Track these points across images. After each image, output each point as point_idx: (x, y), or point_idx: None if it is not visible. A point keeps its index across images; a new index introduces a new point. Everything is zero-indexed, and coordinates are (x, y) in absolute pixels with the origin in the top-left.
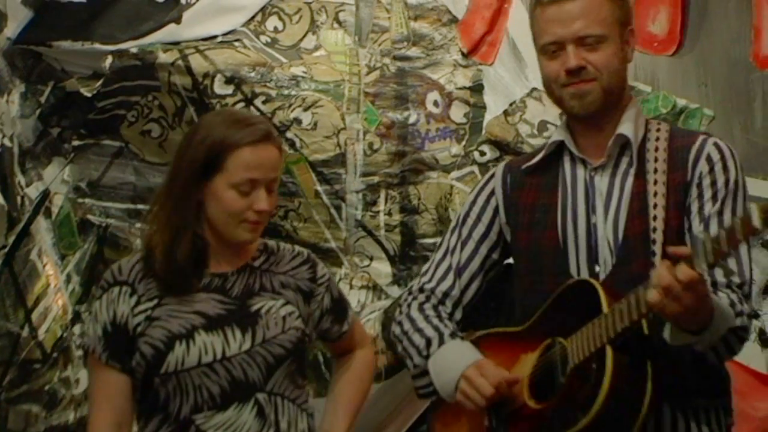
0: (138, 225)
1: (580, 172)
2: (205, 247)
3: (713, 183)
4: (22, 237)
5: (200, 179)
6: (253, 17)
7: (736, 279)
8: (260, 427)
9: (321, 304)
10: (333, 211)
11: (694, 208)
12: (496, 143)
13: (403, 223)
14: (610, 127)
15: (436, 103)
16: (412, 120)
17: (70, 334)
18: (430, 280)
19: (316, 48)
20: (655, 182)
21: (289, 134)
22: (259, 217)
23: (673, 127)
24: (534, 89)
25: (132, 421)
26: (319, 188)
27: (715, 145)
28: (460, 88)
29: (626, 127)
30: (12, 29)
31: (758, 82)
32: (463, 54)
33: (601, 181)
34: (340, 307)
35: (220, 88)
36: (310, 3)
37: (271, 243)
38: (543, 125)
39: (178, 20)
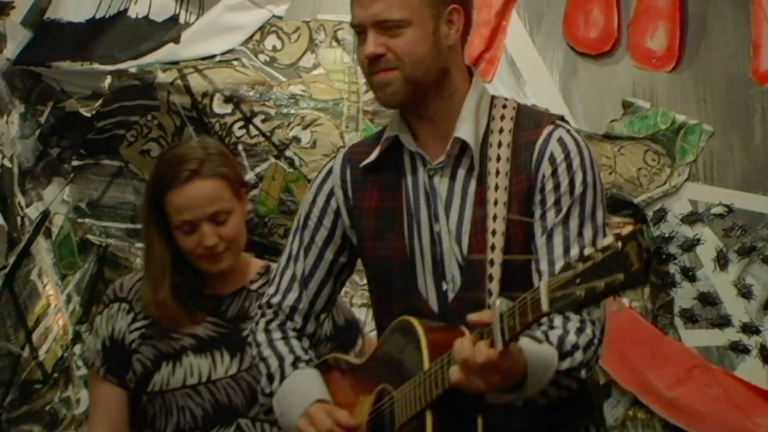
0: (138, 244)
1: (420, 171)
2: (198, 272)
3: (556, 187)
4: (22, 257)
5: (158, 222)
6: (251, 36)
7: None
8: None
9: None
10: None
11: (537, 215)
12: None
13: None
14: (446, 121)
15: None
16: None
17: (70, 354)
18: (275, 293)
19: (315, 66)
20: (496, 188)
21: (288, 153)
22: (212, 251)
23: (521, 112)
24: (533, 106)
25: None
26: None
27: (559, 140)
28: None
29: (465, 129)
30: (11, 50)
31: (757, 97)
32: None
33: (441, 184)
34: (346, 333)
35: (219, 107)
36: (309, 22)
37: (274, 266)
38: None
39: (176, 40)
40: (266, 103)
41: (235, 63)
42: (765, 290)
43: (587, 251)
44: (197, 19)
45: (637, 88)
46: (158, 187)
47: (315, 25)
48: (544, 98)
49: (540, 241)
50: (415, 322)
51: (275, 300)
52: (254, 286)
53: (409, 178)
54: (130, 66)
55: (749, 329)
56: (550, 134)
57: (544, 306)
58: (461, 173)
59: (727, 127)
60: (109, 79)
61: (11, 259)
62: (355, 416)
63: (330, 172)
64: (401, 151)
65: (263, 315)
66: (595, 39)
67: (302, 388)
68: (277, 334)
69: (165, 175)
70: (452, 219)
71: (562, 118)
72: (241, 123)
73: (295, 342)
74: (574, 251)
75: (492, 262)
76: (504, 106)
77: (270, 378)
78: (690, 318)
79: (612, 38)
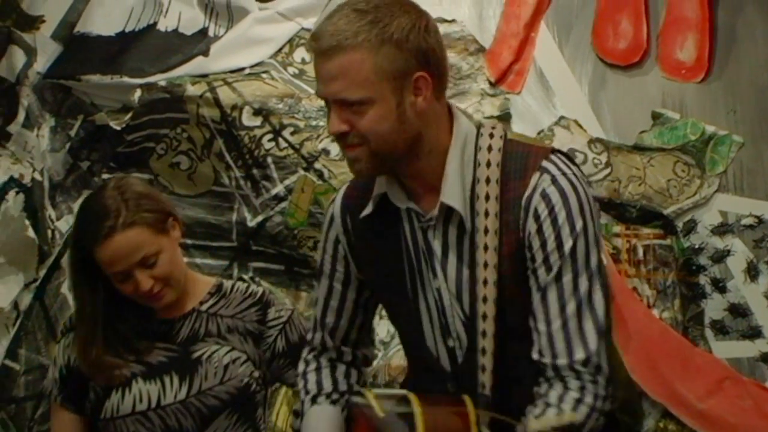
0: None
1: (416, 225)
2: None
3: (543, 245)
4: (53, 270)
5: (88, 275)
6: (280, 49)
7: (579, 355)
8: None
9: (272, 347)
10: None
11: (530, 272)
12: None
13: None
14: (430, 176)
15: None
16: None
17: None
18: (310, 330)
19: None
20: (486, 248)
21: (317, 165)
22: (150, 294)
23: (507, 154)
24: (562, 117)
25: None
26: None
27: (542, 194)
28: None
29: (451, 192)
30: (41, 63)
31: None
32: (490, 83)
33: (435, 240)
34: (299, 351)
35: (248, 119)
36: None
37: (226, 284)
38: (571, 153)
39: (206, 53)
40: (295, 115)
41: (264, 76)
42: None
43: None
44: (226, 32)
45: (667, 99)
46: (82, 243)
47: None
48: (573, 110)
49: (535, 299)
50: (415, 406)
51: (309, 336)
52: (204, 307)
53: (407, 231)
54: (160, 79)
55: None
56: (534, 187)
57: None
58: (452, 230)
59: (757, 138)
60: (138, 93)
61: (42, 272)
62: None
63: (333, 219)
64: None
65: (306, 349)
66: (624, 50)
67: (311, 427)
68: (312, 366)
69: (86, 232)
70: (450, 277)
71: (553, 151)
72: (270, 135)
73: (325, 373)
74: (570, 307)
75: (484, 333)
76: (489, 148)
77: (296, 414)
78: (720, 329)
79: (641, 49)
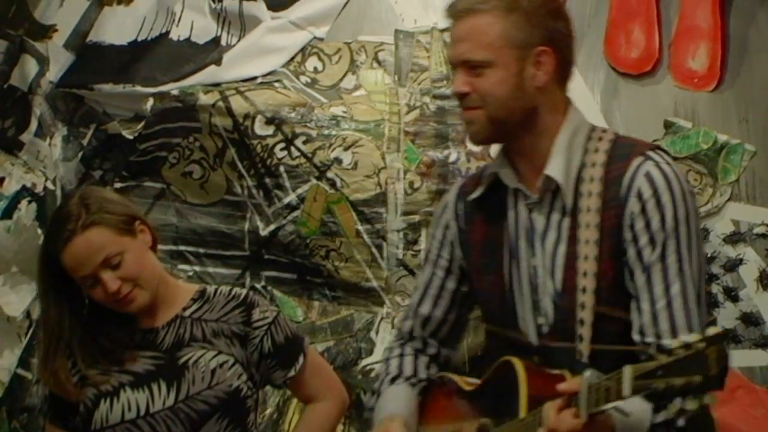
0: (180, 266)
1: (521, 205)
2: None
3: (647, 225)
4: None
5: (57, 285)
6: (293, 58)
7: (684, 335)
8: None
9: (259, 348)
10: (374, 250)
11: (632, 253)
12: None
13: None
14: (539, 156)
15: None
16: (452, 158)
17: None
18: (402, 318)
19: (356, 88)
20: (587, 225)
21: (329, 174)
22: (119, 295)
23: (616, 144)
24: None
25: None
26: (360, 227)
27: (647, 176)
28: None
29: (555, 166)
30: (54, 73)
31: None
32: None
33: (538, 219)
34: (286, 351)
35: (260, 128)
36: (350, 43)
37: (209, 289)
38: None
39: (218, 62)
40: (308, 124)
41: (276, 84)
42: None
43: (674, 344)
44: (239, 41)
45: (679, 107)
46: (49, 251)
47: (356, 47)
48: (586, 118)
49: (639, 279)
50: (519, 368)
51: (399, 324)
52: (188, 312)
53: (511, 213)
54: (172, 88)
55: None
56: (637, 168)
57: (626, 391)
58: (557, 208)
59: None
60: (151, 102)
61: None
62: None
63: (446, 206)
64: (505, 185)
65: (394, 337)
66: (636, 59)
67: (385, 404)
68: (396, 352)
69: (50, 239)
70: (547, 254)
71: (657, 148)
72: (282, 144)
73: (408, 360)
74: (675, 288)
75: (583, 306)
76: (600, 139)
77: (372, 393)
78: (733, 338)
79: (653, 58)
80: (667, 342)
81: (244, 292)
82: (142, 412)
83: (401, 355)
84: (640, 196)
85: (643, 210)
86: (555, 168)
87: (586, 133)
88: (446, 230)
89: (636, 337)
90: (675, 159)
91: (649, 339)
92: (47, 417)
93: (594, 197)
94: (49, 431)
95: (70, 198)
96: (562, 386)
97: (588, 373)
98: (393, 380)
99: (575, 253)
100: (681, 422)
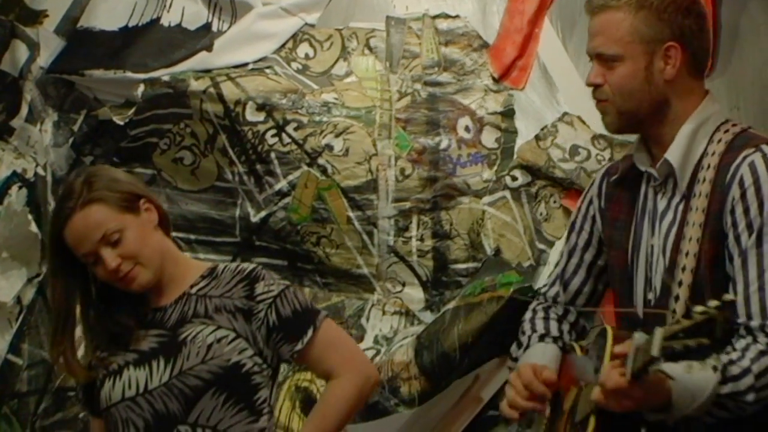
0: None
1: (650, 188)
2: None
3: (746, 211)
4: None
5: (65, 265)
6: (284, 44)
7: (756, 321)
8: None
9: (265, 322)
10: (365, 237)
11: (731, 238)
12: (528, 168)
13: (435, 248)
14: (669, 142)
15: (467, 129)
16: (443, 145)
17: None
18: (546, 285)
19: (347, 74)
20: (697, 209)
21: (320, 160)
22: (120, 273)
23: (738, 136)
24: (565, 114)
25: None
26: (351, 214)
27: (750, 164)
28: (491, 113)
29: (674, 151)
30: (44, 58)
31: None
32: (494, 79)
33: (661, 201)
34: (292, 324)
35: (251, 115)
36: (341, 29)
37: (219, 267)
38: (575, 149)
39: (209, 48)
40: (299, 111)
41: (267, 71)
42: None
43: (696, 309)
44: (230, 27)
45: None
46: (54, 229)
47: (347, 33)
48: (577, 106)
49: (736, 262)
50: (609, 333)
51: (543, 290)
52: (194, 290)
53: (642, 194)
54: (163, 74)
55: None
56: (745, 158)
57: (655, 351)
58: (678, 191)
59: None
60: (141, 88)
61: (45, 267)
62: (567, 400)
63: (593, 183)
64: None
65: (537, 300)
66: None
67: (532, 356)
68: (540, 314)
69: (54, 217)
70: (662, 234)
71: None
72: (273, 131)
73: (553, 323)
74: None
75: (680, 283)
76: (727, 131)
77: (519, 345)
78: None
79: None
80: (756, 323)
81: (250, 266)
82: (141, 389)
83: (546, 318)
84: (741, 183)
85: (743, 196)
86: (673, 152)
87: (715, 124)
88: (589, 205)
89: None
90: None
91: (741, 320)
92: (81, 403)
93: (706, 183)
94: (91, 422)
95: (77, 176)
96: (618, 348)
97: (637, 336)
98: (542, 337)
99: (682, 235)
100: (750, 397)
